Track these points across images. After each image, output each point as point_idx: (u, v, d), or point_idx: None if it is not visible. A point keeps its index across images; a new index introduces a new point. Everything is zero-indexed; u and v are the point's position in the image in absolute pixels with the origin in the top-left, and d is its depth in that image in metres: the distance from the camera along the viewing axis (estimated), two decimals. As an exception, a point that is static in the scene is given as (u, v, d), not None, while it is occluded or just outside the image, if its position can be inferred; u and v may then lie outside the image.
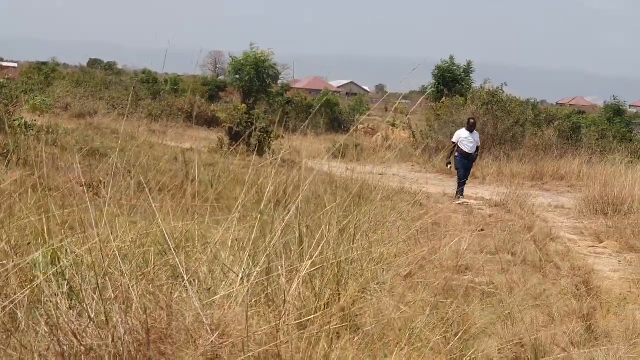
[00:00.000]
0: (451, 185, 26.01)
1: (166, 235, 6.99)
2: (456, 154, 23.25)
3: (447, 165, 24.41)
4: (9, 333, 5.81)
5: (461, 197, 22.47)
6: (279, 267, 7.17)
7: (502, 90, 41.11)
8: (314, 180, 11.73)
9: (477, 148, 23.72)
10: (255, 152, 18.89)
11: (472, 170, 23.97)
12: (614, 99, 52.47)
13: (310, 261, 7.19)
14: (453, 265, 11.76)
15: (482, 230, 16.53)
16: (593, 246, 16.59)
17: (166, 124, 36.56)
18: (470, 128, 23.43)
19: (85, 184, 9.85)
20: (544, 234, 16.76)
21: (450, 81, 45.63)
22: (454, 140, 23.73)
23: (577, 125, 43.27)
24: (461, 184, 22.84)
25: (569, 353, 8.16)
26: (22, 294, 5.92)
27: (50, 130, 24.28)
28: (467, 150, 22.92)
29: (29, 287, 6.03)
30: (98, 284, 6.18)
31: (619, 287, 12.17)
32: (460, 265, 12.00)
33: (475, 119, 25.08)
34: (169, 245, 7.14)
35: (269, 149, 26.52)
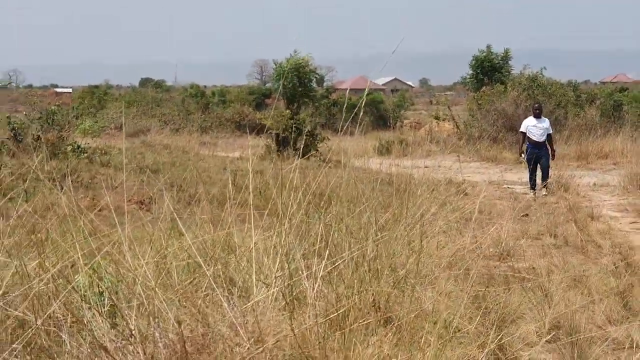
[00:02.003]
0: (497, 172, 25.91)
1: (193, 248, 7.06)
2: (527, 144, 22.08)
3: (520, 156, 23.13)
4: (53, 356, 5.90)
5: (534, 190, 21.39)
6: (307, 268, 7.23)
7: (541, 74, 41.10)
8: (358, 178, 11.85)
9: (549, 135, 22.42)
10: (301, 156, 18.88)
11: (548, 160, 22.03)
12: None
13: (324, 262, 7.22)
14: (495, 253, 11.77)
15: (527, 215, 16.48)
16: (634, 222, 16.48)
17: (216, 135, 36.80)
18: (537, 114, 22.43)
19: (136, 202, 9.98)
20: (586, 214, 16.67)
21: (490, 70, 45.47)
22: (522, 130, 22.72)
23: (619, 103, 43.01)
24: (537, 175, 21.72)
25: (605, 330, 8.12)
26: (62, 316, 6.01)
27: (104, 152, 24.59)
28: (535, 139, 21.81)
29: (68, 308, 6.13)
30: (134, 303, 6.27)
31: (659, 262, 12.08)
32: (502, 253, 11.98)
33: (540, 103, 24.24)
34: (205, 257, 7.22)
35: (316, 151, 26.59)
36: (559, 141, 32.16)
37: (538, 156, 21.59)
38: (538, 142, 21.68)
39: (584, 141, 32.37)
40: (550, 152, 22.05)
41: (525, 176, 22.24)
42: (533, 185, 21.44)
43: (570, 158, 29.26)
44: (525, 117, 23.66)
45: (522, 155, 22.35)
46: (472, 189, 19.03)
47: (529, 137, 21.82)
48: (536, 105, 23.48)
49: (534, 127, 21.76)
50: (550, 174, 21.61)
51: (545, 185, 21.15)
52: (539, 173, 21.77)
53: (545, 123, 22.21)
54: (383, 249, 8.72)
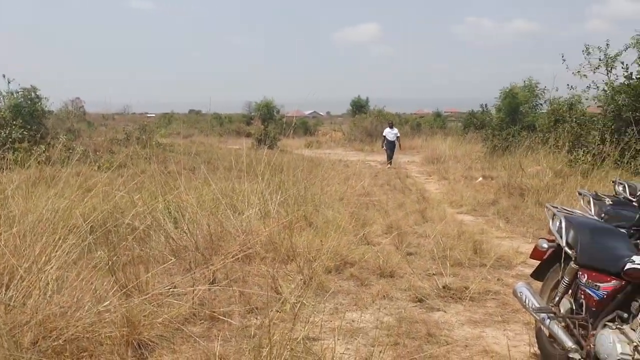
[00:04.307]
0: (362, 156, 25.86)
1: (216, 190, 6.95)
2: (385, 141, 21.39)
3: (382, 147, 22.11)
4: (145, 242, 5.78)
5: (389, 165, 20.57)
6: (271, 199, 7.18)
7: (384, 109, 41.50)
8: (296, 158, 11.72)
9: (397, 137, 21.67)
10: (269, 148, 18.69)
11: (395, 150, 21.46)
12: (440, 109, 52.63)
13: (279, 196, 7.19)
14: (361, 193, 11.78)
15: (376, 175, 16.52)
16: (426, 178, 16.65)
17: (226, 138, 36.34)
18: (390, 125, 21.88)
19: (188, 169, 9.77)
20: (404, 175, 16.81)
21: (359, 107, 45.67)
22: (383, 134, 21.89)
23: (419, 123, 43.49)
24: (389, 158, 21.02)
25: (413, 228, 8.20)
26: (146, 224, 5.91)
27: (171, 145, 24.18)
28: (390, 139, 21.16)
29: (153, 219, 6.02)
30: (186, 216, 6.18)
31: (438, 196, 12.22)
32: (365, 193, 11.99)
33: (392, 121, 24.13)
34: (222, 194, 7.12)
35: (276, 146, 26.31)
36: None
37: (390, 148, 21.11)
38: (391, 140, 21.16)
39: (404, 140, 32.51)
40: (398, 145, 21.66)
41: (381, 158, 22.10)
42: (388, 162, 21.00)
43: (397, 149, 29.45)
44: (384, 129, 23.07)
45: (383, 147, 21.73)
46: (351, 164, 19.05)
47: (387, 138, 21.32)
48: (390, 122, 23.26)
49: (389, 133, 21.23)
50: (393, 158, 21.38)
51: (390, 163, 20.86)
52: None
53: (395, 130, 21.62)
54: (308, 190, 8.70)
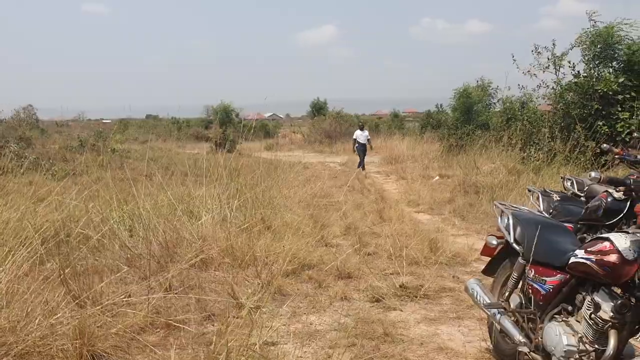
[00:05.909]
0: (322, 157, 25.99)
1: (171, 196, 6.87)
2: (357, 145, 20.41)
3: (354, 152, 21.01)
4: (99, 252, 5.67)
5: (362, 169, 19.34)
6: (228, 204, 7.14)
7: (342, 111, 41.60)
8: (255, 161, 11.70)
9: (369, 140, 20.66)
10: (228, 151, 18.48)
11: (367, 153, 20.51)
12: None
13: (236, 200, 7.15)
14: (320, 194, 11.79)
15: (336, 177, 16.57)
16: (385, 178, 16.81)
17: (185, 143, 35.93)
18: (361, 127, 21.01)
19: (144, 175, 9.64)
20: (363, 176, 16.92)
21: (319, 108, 45.80)
22: (354, 137, 20.82)
23: (378, 124, 43.79)
24: (361, 161, 20.03)
25: (371, 228, 8.25)
26: (101, 233, 5.79)
27: (127, 151, 23.80)
28: (362, 142, 20.20)
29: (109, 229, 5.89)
30: (141, 224, 6.08)
31: (396, 196, 12.36)
32: (324, 194, 11.99)
33: (362, 122, 23.38)
34: (177, 200, 7.05)
35: (235, 149, 26.14)
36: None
37: (362, 151, 20.26)
38: (362, 143, 20.39)
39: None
40: (369, 147, 20.70)
41: (340, 159, 21.95)
42: (359, 166, 19.79)
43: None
44: (355, 130, 22.18)
45: (355, 150, 20.83)
46: (310, 165, 19.06)
47: (358, 141, 20.43)
48: (361, 123, 22.87)
49: (360, 135, 20.44)
50: (365, 162, 20.39)
51: (363, 168, 20.26)
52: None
53: (366, 132, 20.80)
54: (266, 193, 8.68)
